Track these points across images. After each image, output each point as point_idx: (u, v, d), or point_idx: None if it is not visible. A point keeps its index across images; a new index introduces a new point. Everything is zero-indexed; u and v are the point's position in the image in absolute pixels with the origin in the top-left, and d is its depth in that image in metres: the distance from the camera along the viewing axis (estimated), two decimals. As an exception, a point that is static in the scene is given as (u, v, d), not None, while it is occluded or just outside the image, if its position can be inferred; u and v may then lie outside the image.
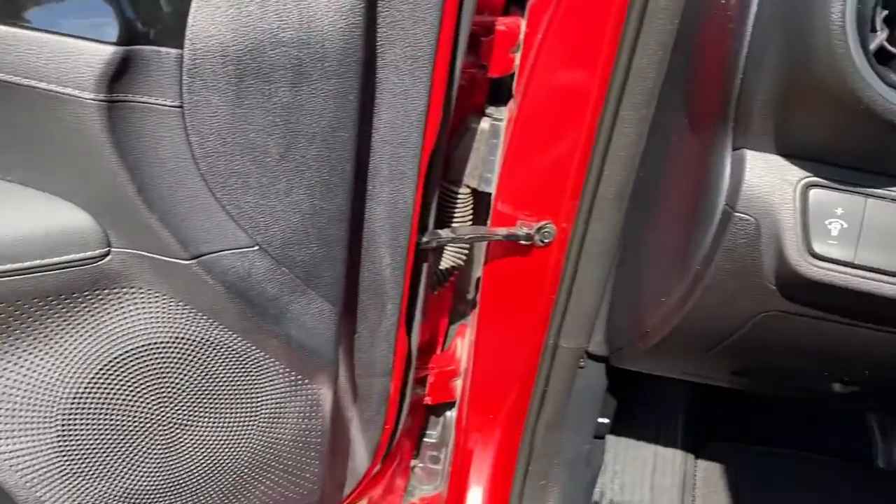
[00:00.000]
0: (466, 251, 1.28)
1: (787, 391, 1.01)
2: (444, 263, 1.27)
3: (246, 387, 0.90)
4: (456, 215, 1.24)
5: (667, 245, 0.85)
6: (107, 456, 0.87)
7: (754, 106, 0.68)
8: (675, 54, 0.85)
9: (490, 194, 1.18)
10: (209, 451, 0.95)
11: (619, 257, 0.99)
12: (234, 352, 0.89)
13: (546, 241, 1.13)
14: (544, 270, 1.14)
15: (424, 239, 1.08)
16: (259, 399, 0.97)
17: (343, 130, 0.84)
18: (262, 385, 0.96)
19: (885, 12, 0.63)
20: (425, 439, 1.47)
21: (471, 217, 1.24)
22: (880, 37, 0.62)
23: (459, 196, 1.22)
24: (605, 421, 1.20)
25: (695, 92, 0.80)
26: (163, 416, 0.89)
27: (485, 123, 1.17)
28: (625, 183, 0.96)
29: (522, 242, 1.14)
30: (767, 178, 0.69)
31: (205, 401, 0.88)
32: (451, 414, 1.41)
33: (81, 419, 0.85)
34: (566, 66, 1.02)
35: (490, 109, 1.17)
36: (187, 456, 0.92)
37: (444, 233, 1.10)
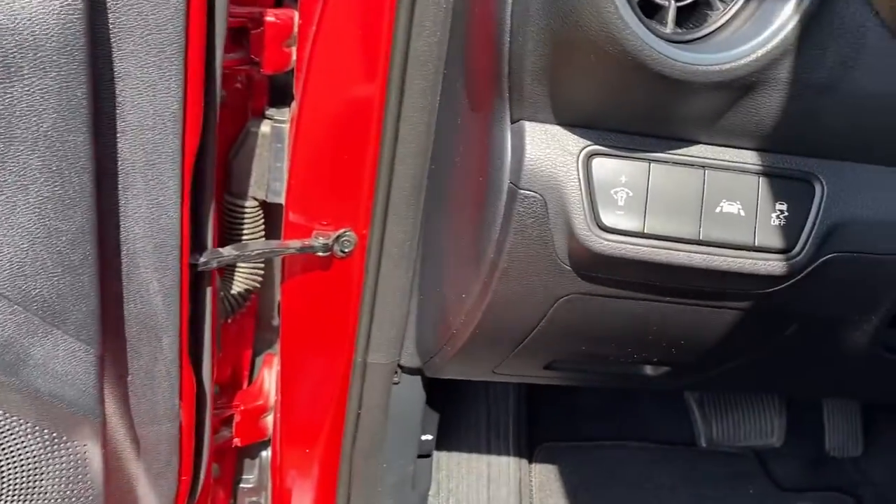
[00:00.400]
0: (262, 271, 1.16)
1: (601, 380, 0.97)
2: (237, 287, 1.14)
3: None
4: (245, 231, 1.12)
5: (462, 235, 0.79)
6: None
7: (525, 72, 0.63)
8: (454, 33, 0.79)
9: (282, 205, 1.07)
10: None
11: (422, 257, 0.91)
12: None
13: (346, 250, 1.03)
14: (348, 283, 1.04)
15: (202, 259, 0.95)
16: (4, 469, 0.79)
17: (73, 134, 0.71)
18: (5, 452, 0.78)
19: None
20: (241, 485, 1.32)
21: (262, 232, 1.13)
22: None
23: (246, 210, 1.11)
24: (429, 438, 1.12)
25: (471, 68, 0.74)
26: None
27: (265, 127, 1.06)
28: (418, 177, 0.89)
29: (320, 254, 1.03)
30: (549, 151, 0.64)
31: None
32: (268, 454, 1.28)
33: None
34: (343, 57, 0.93)
35: (271, 111, 1.06)
36: None
37: (227, 251, 0.97)
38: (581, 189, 0.64)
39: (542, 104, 0.64)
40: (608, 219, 0.65)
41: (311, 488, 1.12)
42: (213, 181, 0.95)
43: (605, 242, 0.65)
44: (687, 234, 0.65)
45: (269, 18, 1.00)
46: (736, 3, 0.62)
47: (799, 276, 0.70)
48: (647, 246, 0.65)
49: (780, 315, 0.77)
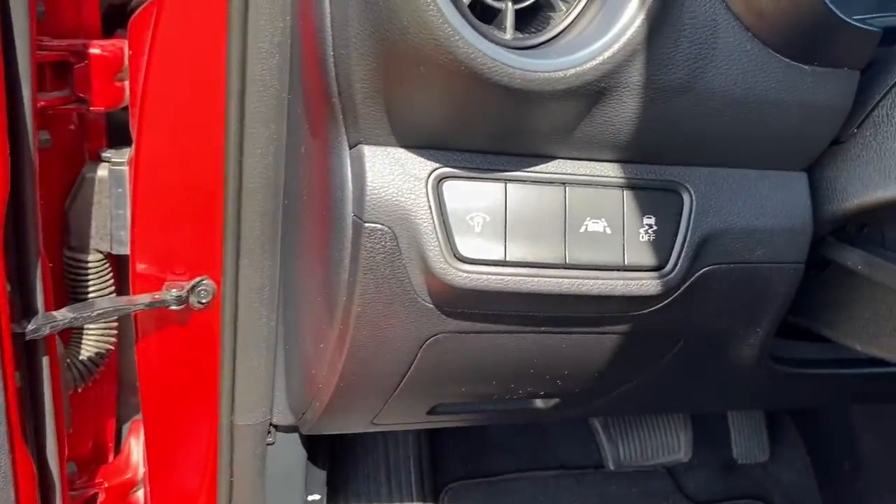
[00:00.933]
0: (115, 330, 1.04)
1: (491, 419, 0.91)
2: (87, 350, 1.02)
3: None
4: (91, 289, 1.00)
5: (312, 277, 0.71)
6: None
7: (355, 91, 0.56)
8: (294, 54, 0.72)
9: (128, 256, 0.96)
10: None
11: (284, 303, 0.82)
12: None
13: (204, 301, 0.93)
14: (210, 336, 0.94)
15: (30, 327, 0.83)
16: None
17: None
18: None
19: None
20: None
21: (111, 288, 1.01)
22: None
23: (90, 265, 0.99)
24: (316, 498, 1.02)
25: (305, 90, 0.67)
26: None
27: (102, 171, 0.95)
28: (270, 214, 0.80)
29: (174, 308, 0.93)
30: (393, 177, 0.57)
31: None
32: (145, 531, 1.15)
33: None
34: (179, 87, 0.84)
35: (108, 153, 0.96)
36: None
37: (62, 314, 0.86)
38: (433, 217, 0.57)
39: (379, 125, 0.57)
40: (465, 248, 0.58)
41: (189, 568, 1.00)
42: (36, 237, 0.84)
43: (465, 275, 0.58)
44: (552, 258, 0.59)
45: (95, 51, 0.90)
46: (579, 3, 0.57)
47: (676, 294, 0.66)
48: (511, 275, 0.59)
49: (663, 334, 0.73)
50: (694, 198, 0.64)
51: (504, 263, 0.59)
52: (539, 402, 0.84)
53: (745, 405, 1.05)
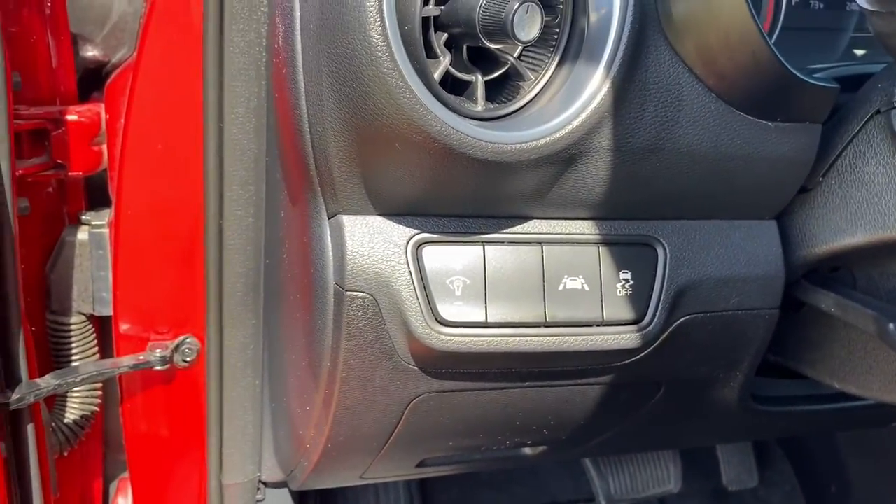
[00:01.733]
0: (99, 391, 1.03)
1: (480, 468, 0.91)
2: (72, 414, 1.01)
3: None
4: (74, 352, 1.00)
5: (296, 341, 0.71)
6: None
7: (332, 166, 0.56)
8: (270, 119, 0.73)
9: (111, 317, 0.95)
10: None
11: (268, 363, 0.83)
12: None
13: (188, 359, 0.93)
14: (195, 396, 0.94)
15: (14, 396, 0.82)
16: None
17: None
18: None
19: (445, 35, 0.55)
20: None
21: (94, 350, 1.01)
22: (443, 63, 0.54)
23: (73, 328, 0.99)
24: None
25: (283, 160, 0.68)
26: None
27: (82, 234, 0.96)
28: (252, 275, 0.80)
29: (158, 368, 0.92)
30: (373, 245, 0.58)
31: None
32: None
33: None
34: (156, 149, 0.85)
35: (87, 216, 0.96)
36: None
37: (46, 381, 0.85)
38: (413, 283, 0.58)
39: (357, 196, 0.58)
40: (447, 312, 0.59)
41: None
42: (18, 305, 0.83)
43: (447, 338, 0.59)
44: (532, 318, 0.60)
45: (72, 117, 0.90)
46: (546, 72, 0.58)
47: (655, 344, 0.67)
48: (493, 336, 0.60)
49: (645, 382, 0.74)
50: (668, 250, 0.66)
51: (485, 325, 0.59)
52: (527, 450, 0.84)
53: (730, 439, 1.06)
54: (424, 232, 0.60)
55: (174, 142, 0.86)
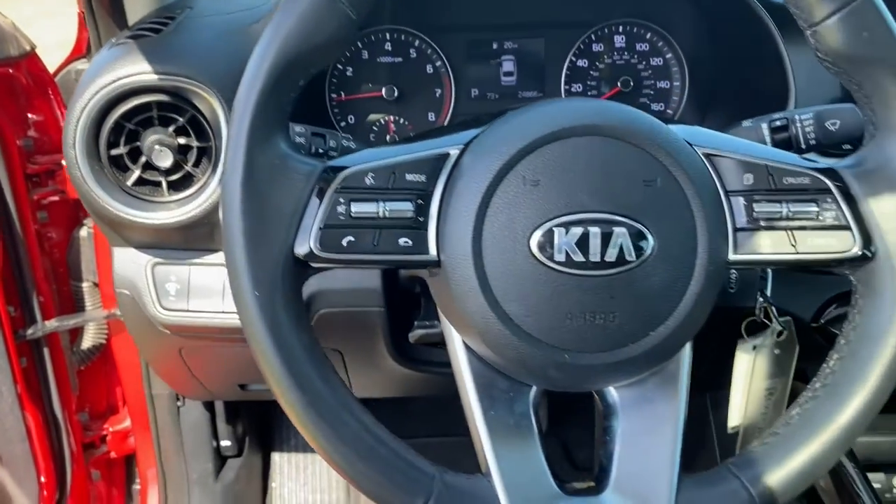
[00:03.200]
0: (105, 331, 1.62)
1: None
2: (86, 343, 1.61)
3: None
4: (87, 304, 1.58)
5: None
6: None
7: (102, 228, 1.03)
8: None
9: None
10: None
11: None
12: None
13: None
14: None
15: (30, 331, 1.41)
16: None
17: None
18: None
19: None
20: (134, 486, 1.78)
21: (100, 304, 1.59)
22: (135, 173, 0.97)
23: (84, 289, 1.57)
24: (227, 444, 1.54)
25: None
26: None
27: (84, 231, 1.52)
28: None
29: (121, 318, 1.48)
30: (130, 265, 1.04)
31: None
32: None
33: None
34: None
35: (87, 220, 1.52)
36: None
37: (50, 323, 1.43)
38: (148, 287, 1.04)
39: (117, 241, 1.04)
40: (166, 303, 1.04)
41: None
42: (32, 279, 1.41)
43: (167, 316, 1.04)
44: (214, 307, 1.03)
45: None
46: (206, 174, 0.97)
47: None
48: (192, 317, 1.04)
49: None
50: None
51: (187, 311, 1.04)
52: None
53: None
54: (157, 258, 1.05)
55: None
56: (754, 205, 0.69)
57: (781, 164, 0.70)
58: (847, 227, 0.69)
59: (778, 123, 0.84)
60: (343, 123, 1.15)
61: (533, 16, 1.14)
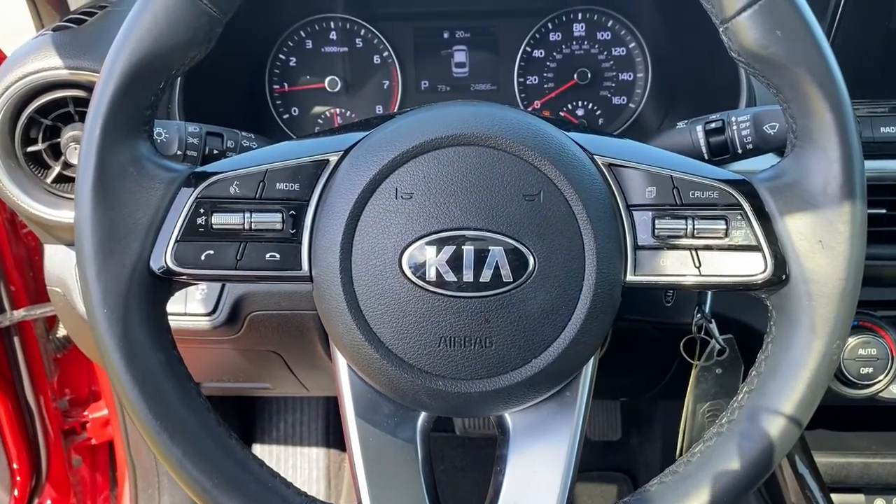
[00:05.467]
0: (82, 319, 1.62)
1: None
2: (63, 331, 1.61)
3: None
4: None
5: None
6: None
7: (33, 228, 1.01)
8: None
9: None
10: None
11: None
12: None
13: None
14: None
15: (-1, 319, 1.42)
16: None
17: None
18: None
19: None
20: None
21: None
22: (56, 169, 0.94)
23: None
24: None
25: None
26: None
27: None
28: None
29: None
30: (59, 262, 1.02)
31: None
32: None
33: None
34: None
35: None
36: None
37: (18, 313, 1.44)
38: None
39: (47, 238, 1.01)
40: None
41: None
42: (1, 266, 1.42)
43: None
44: (177, 310, 0.99)
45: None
46: None
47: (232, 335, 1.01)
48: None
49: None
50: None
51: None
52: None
53: None
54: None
55: None
56: (657, 221, 0.62)
57: (688, 176, 0.63)
58: (757, 248, 0.62)
59: (713, 126, 0.77)
60: (286, 116, 1.10)
61: (486, 3, 1.07)
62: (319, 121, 1.11)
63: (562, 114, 1.09)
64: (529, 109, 1.08)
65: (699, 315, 0.83)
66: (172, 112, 0.89)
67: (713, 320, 0.83)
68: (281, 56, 1.09)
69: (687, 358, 0.86)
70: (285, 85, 1.10)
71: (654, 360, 1.07)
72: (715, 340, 0.82)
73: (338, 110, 1.09)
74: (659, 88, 1.07)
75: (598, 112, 1.09)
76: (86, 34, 0.91)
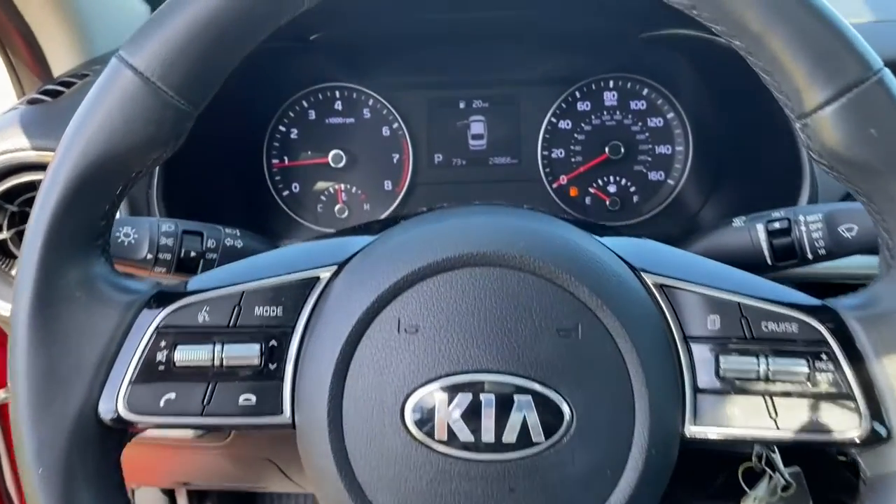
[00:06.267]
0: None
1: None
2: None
3: None
4: None
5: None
6: None
7: None
8: None
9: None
10: None
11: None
12: None
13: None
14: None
15: (-25, 403, 1.31)
16: None
17: None
18: None
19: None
20: None
21: None
22: (5, 234, 0.83)
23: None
24: None
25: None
26: None
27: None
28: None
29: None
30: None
31: None
32: None
33: None
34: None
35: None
36: None
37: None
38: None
39: None
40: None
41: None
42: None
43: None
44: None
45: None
46: None
47: (223, 439, 0.91)
48: None
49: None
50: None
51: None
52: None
53: None
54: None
55: None
56: (721, 358, 0.50)
57: (760, 303, 0.51)
58: (849, 396, 0.49)
59: (777, 225, 0.65)
60: (286, 193, 1.00)
61: (506, 72, 0.97)
62: (322, 198, 1.00)
63: (591, 190, 0.98)
64: (555, 185, 0.97)
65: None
66: (151, 200, 0.79)
67: (776, 448, 0.70)
68: (281, 128, 0.99)
69: (745, 488, 0.73)
70: (285, 159, 1.00)
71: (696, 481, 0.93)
72: (780, 475, 0.68)
73: (342, 186, 0.99)
74: (701, 164, 0.95)
75: (633, 189, 0.98)
76: (58, 109, 0.82)
